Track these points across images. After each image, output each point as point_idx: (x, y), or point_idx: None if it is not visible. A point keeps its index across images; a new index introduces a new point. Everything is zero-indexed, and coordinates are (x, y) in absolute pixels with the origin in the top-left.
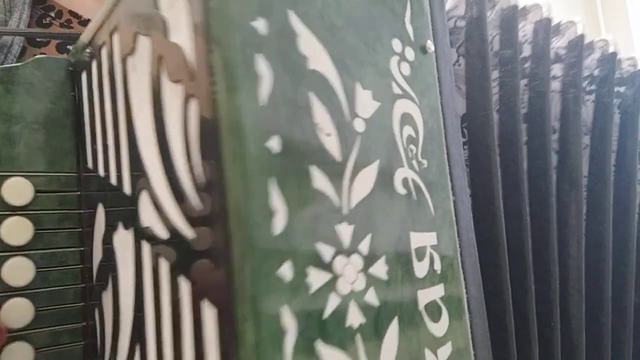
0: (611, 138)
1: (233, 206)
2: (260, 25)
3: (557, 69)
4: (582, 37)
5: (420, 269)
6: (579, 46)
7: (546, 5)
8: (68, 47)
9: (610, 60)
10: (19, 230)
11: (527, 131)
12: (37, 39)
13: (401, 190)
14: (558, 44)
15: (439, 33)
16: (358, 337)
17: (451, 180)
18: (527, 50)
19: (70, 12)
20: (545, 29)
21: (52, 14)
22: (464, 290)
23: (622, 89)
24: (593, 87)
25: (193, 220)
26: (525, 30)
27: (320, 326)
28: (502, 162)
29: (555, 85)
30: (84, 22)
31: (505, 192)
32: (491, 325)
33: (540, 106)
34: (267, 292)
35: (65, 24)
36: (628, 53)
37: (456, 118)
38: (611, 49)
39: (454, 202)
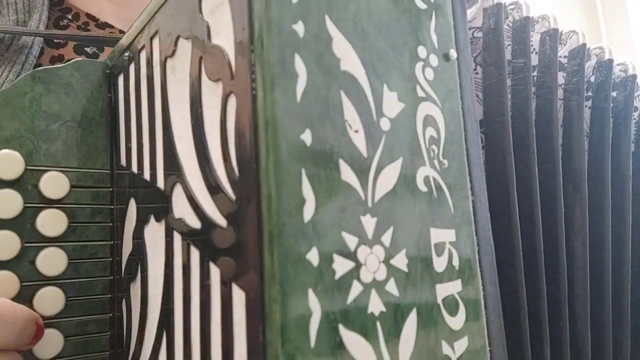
0: (609, 142)
1: (266, 195)
2: (299, 28)
3: (559, 77)
4: (584, 46)
5: (439, 263)
6: (580, 55)
7: (552, 17)
8: (86, 48)
9: (607, 67)
10: (54, 222)
11: (535, 137)
12: (55, 40)
13: (423, 187)
14: (560, 52)
15: (461, 42)
16: (378, 325)
17: (470, 181)
18: (534, 60)
19: (88, 15)
20: (552, 39)
21: (69, 16)
22: (481, 288)
23: (614, 94)
24: (590, 93)
25: (226, 209)
26: (532, 40)
27: (343, 311)
28: (515, 166)
29: (559, 92)
30: (101, 26)
31: (519, 195)
32: (506, 324)
33: (548, 113)
34: (295, 275)
35: (83, 26)
36: (629, 55)
37: (476, 122)
38: (607, 56)
39: (473, 202)
